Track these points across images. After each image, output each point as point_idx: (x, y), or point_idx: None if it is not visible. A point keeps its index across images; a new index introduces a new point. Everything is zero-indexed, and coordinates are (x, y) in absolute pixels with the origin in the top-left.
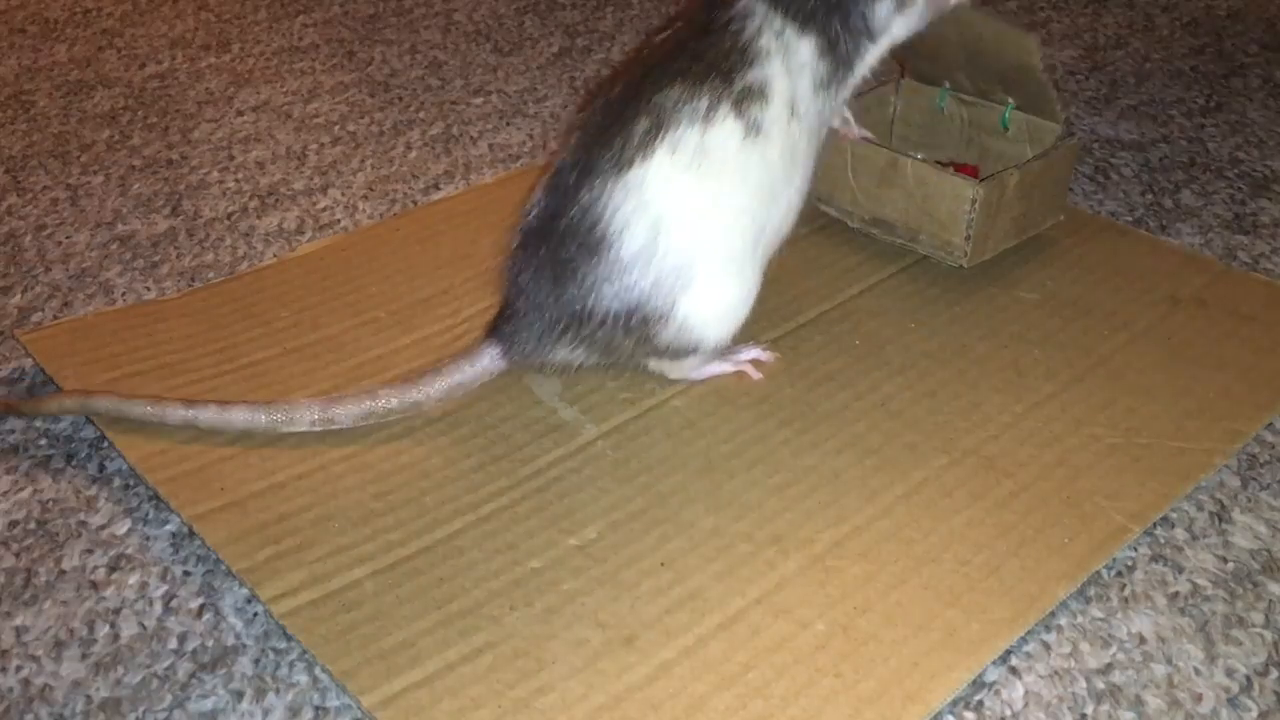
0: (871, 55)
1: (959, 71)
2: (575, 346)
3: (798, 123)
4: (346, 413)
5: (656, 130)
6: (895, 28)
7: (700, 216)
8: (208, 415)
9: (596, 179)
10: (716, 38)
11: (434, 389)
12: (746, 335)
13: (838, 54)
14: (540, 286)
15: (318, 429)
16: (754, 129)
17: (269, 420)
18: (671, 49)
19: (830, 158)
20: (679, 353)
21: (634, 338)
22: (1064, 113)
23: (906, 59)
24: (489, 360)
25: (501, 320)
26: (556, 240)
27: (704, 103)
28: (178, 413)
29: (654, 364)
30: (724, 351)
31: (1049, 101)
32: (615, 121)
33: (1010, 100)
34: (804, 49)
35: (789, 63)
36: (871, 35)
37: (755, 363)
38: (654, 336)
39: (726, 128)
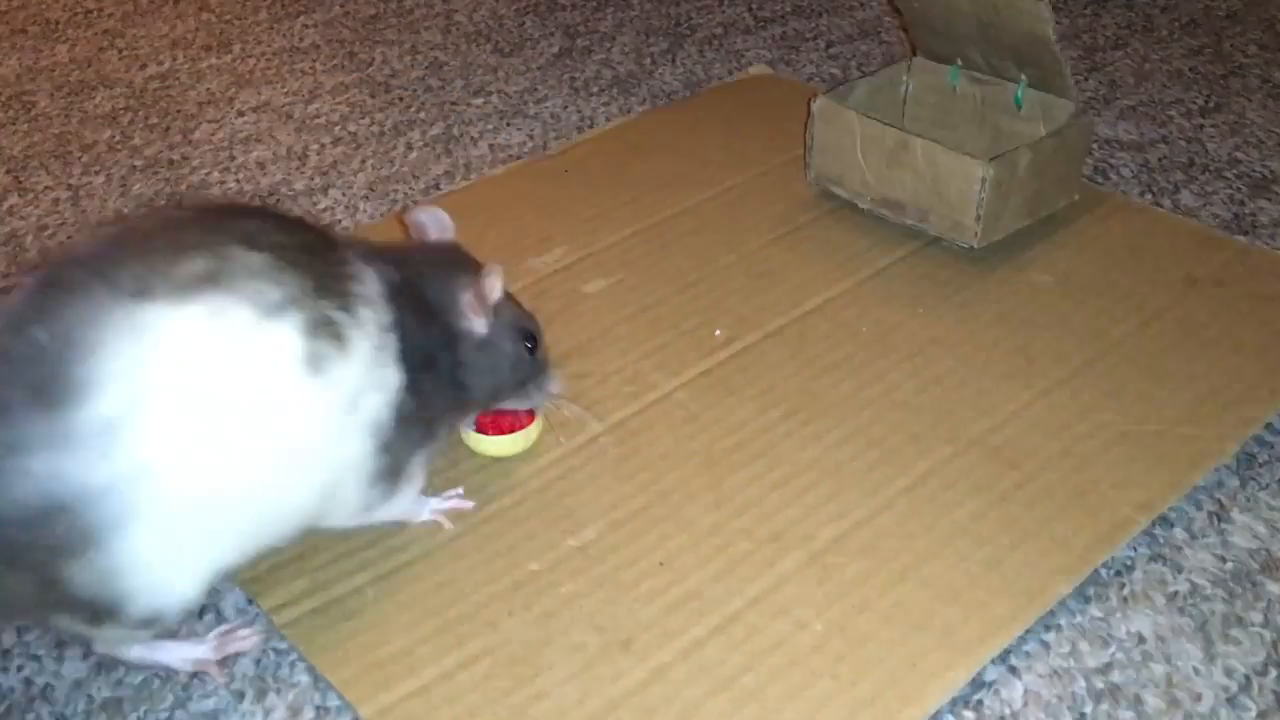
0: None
1: (971, 46)
2: None
3: (351, 422)
4: None
5: (210, 282)
6: (393, 504)
7: (200, 422)
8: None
9: (101, 290)
10: (331, 256)
11: None
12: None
13: (393, 439)
14: None
15: None
16: (314, 363)
17: None
18: (286, 223)
19: (840, 138)
20: (92, 612)
21: (38, 572)
22: (1076, 88)
23: (918, 35)
24: None
25: None
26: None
27: (276, 294)
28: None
29: (58, 620)
30: (159, 627)
31: (1061, 75)
32: (169, 236)
33: (1023, 77)
34: (392, 377)
35: (376, 363)
36: (391, 491)
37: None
38: (65, 572)
39: (287, 337)
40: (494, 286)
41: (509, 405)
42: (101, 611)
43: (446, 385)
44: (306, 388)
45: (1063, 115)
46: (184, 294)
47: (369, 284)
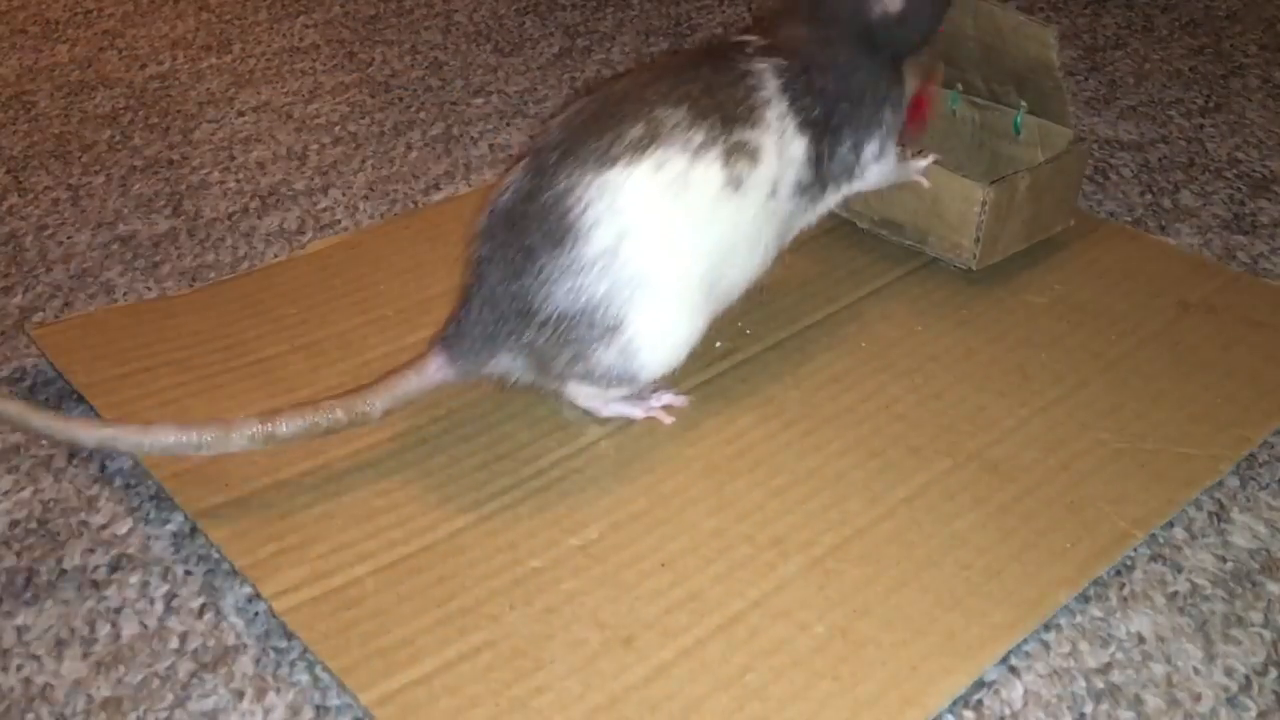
0: (842, 194)
1: (973, 70)
2: (516, 353)
3: (774, 204)
4: (289, 429)
5: (649, 142)
6: (870, 174)
7: (664, 241)
8: (130, 437)
9: (577, 167)
10: (732, 82)
11: (380, 401)
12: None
13: (818, 171)
14: (497, 273)
15: (257, 446)
16: (735, 183)
17: (201, 440)
18: (687, 69)
19: None
20: (611, 380)
21: (571, 351)
22: (1074, 115)
23: None
24: (435, 369)
25: (451, 323)
26: (525, 222)
27: (699, 137)
28: (92, 433)
29: (574, 388)
30: (640, 394)
31: (1062, 103)
32: (610, 116)
33: (1023, 103)
34: (796, 146)
35: (782, 149)
36: (851, 174)
37: (668, 408)
38: (593, 353)
39: (711, 171)
40: None
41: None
42: (620, 380)
43: (879, 78)
44: (733, 202)
45: (1060, 142)
46: (635, 155)
47: (766, 83)
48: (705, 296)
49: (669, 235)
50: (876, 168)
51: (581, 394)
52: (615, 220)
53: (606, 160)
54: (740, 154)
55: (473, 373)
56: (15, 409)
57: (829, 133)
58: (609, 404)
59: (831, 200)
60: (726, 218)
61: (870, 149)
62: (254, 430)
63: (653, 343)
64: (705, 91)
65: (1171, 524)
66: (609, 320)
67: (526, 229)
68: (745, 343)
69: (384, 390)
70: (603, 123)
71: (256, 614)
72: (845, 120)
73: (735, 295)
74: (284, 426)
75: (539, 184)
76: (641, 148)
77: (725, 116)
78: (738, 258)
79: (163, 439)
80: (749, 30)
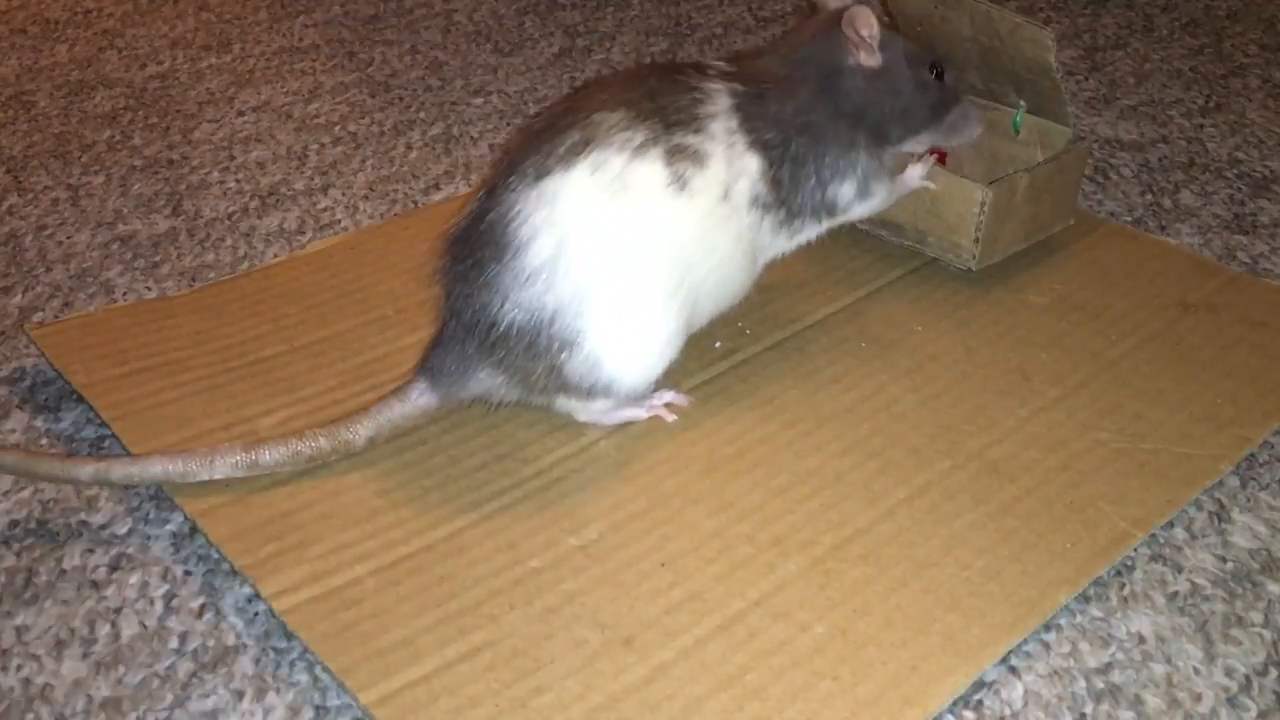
0: (824, 226)
1: (971, 70)
2: (494, 371)
3: (728, 210)
4: (272, 456)
5: (584, 145)
6: (855, 211)
7: (607, 245)
8: (120, 469)
9: (519, 183)
10: (679, 92)
11: (364, 429)
12: (678, 372)
13: (779, 195)
14: (458, 289)
15: (240, 474)
16: (679, 182)
17: (186, 468)
18: (631, 81)
19: None
20: (589, 392)
21: (544, 364)
22: (1073, 115)
23: None
24: (417, 395)
25: (428, 349)
26: (475, 239)
27: (639, 138)
28: (86, 469)
29: (563, 403)
30: (639, 396)
31: (1060, 103)
32: (550, 130)
33: (1022, 103)
34: (749, 160)
35: (731, 159)
36: (831, 211)
37: (670, 406)
38: (563, 365)
39: (653, 169)
40: (864, 19)
41: (935, 142)
42: (597, 392)
43: (847, 126)
44: (679, 200)
45: (1059, 142)
46: (570, 161)
47: (717, 100)
48: (667, 302)
49: (611, 240)
50: (863, 206)
51: (573, 409)
52: (553, 231)
53: (543, 171)
54: (683, 155)
55: (456, 395)
56: (12, 458)
57: (787, 160)
58: (610, 414)
59: (812, 231)
60: (674, 217)
61: (845, 190)
62: (238, 458)
63: (615, 352)
64: (647, 97)
65: (1171, 524)
66: (565, 333)
67: (478, 246)
68: (745, 343)
69: (367, 419)
70: (543, 137)
71: (256, 614)
72: (805, 155)
73: (714, 307)
74: (267, 455)
75: (487, 205)
76: (576, 152)
77: (667, 121)
78: (698, 261)
79: (152, 469)
80: (724, 60)
